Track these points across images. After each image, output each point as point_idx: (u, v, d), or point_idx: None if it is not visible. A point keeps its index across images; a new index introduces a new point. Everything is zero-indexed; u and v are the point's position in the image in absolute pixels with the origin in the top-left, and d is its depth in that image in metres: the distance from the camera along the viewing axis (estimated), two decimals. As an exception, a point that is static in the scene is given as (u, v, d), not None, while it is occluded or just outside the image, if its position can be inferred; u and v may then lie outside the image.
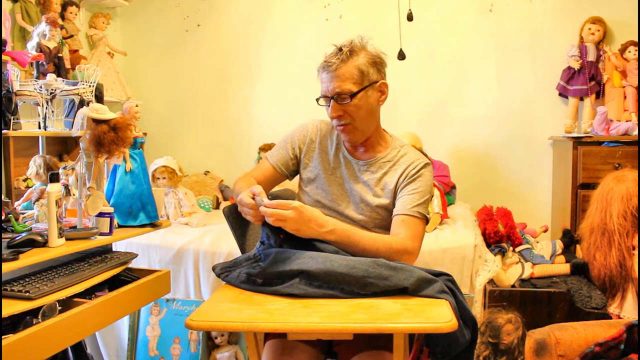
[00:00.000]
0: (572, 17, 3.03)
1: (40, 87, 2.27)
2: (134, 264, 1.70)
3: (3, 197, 1.91)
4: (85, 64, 2.67)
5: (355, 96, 1.45)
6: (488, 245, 2.39)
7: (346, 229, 1.36)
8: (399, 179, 1.51)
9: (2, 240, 1.39)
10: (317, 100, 1.52)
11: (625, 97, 2.88)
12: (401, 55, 2.64)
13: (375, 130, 1.55)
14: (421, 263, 2.17)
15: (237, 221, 1.65)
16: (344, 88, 1.44)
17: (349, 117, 1.47)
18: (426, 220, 1.49)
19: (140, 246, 2.37)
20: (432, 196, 1.56)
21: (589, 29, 2.94)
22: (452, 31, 3.23)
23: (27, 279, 1.33)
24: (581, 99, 3.00)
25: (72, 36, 3.00)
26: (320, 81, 1.50)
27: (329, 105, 1.48)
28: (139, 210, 1.71)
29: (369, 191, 1.53)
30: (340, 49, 1.46)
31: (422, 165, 1.52)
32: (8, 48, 2.23)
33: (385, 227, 1.50)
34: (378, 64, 1.49)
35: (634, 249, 1.76)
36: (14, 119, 2.22)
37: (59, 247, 1.42)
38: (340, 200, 1.54)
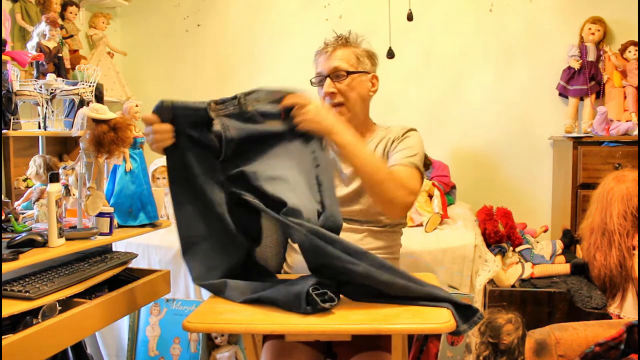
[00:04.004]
0: (572, 17, 3.03)
1: (40, 87, 2.27)
2: (134, 264, 1.70)
3: (3, 197, 1.91)
4: (85, 64, 2.67)
5: (351, 74, 1.51)
6: (488, 245, 2.39)
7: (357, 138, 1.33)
8: (386, 144, 1.53)
9: (2, 240, 1.39)
10: (311, 81, 1.57)
11: (625, 97, 2.88)
12: (390, 54, 2.67)
13: (364, 121, 1.59)
14: (421, 263, 2.17)
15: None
16: (341, 65, 1.51)
17: (342, 96, 1.51)
18: (421, 175, 1.46)
19: (140, 246, 2.37)
20: (425, 155, 1.57)
21: (589, 29, 2.94)
22: (452, 31, 3.23)
23: (27, 279, 1.33)
24: (581, 99, 3.00)
25: (72, 36, 3.00)
26: (316, 64, 1.57)
27: (322, 85, 1.53)
28: (139, 210, 1.71)
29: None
30: (340, 36, 1.55)
31: (408, 129, 1.54)
32: (8, 48, 2.23)
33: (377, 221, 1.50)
34: (372, 57, 1.59)
35: (634, 249, 1.75)
36: (14, 119, 2.22)
37: (58, 247, 1.41)
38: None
